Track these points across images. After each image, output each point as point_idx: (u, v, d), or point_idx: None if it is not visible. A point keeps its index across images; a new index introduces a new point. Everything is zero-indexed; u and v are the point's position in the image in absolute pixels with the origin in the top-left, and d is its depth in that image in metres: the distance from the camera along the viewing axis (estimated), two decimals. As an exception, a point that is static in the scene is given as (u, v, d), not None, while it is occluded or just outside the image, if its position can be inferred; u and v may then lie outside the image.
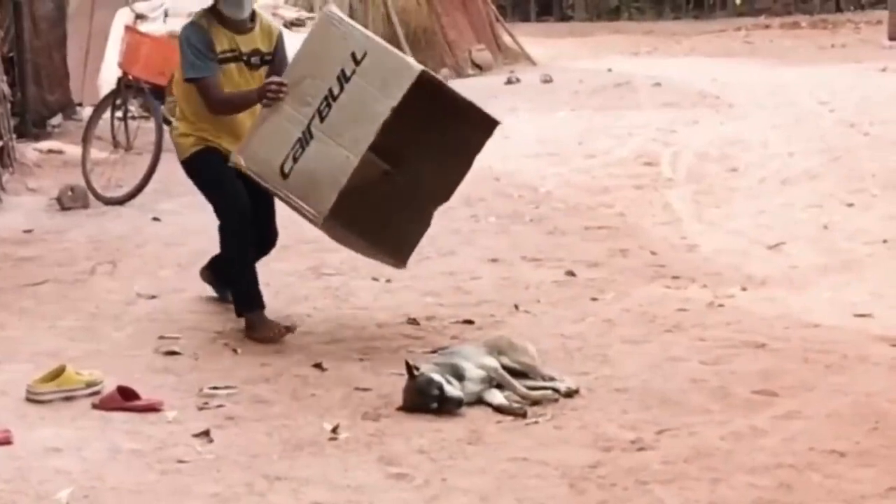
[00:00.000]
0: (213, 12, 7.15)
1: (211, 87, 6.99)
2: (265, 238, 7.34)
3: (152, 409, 5.82)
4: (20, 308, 7.63)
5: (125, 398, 5.85)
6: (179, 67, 7.13)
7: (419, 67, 6.52)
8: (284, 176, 6.62)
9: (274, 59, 7.21)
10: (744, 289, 7.84)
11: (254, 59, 7.16)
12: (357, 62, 6.51)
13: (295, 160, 6.61)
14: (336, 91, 6.55)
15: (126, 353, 6.74)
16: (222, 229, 7.13)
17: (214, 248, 7.36)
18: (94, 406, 5.86)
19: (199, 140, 7.14)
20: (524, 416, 5.73)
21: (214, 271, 7.64)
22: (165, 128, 11.06)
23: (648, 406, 5.81)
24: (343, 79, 6.53)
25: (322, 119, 6.56)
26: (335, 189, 6.46)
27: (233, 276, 7.19)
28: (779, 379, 6.12)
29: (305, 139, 6.60)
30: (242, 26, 7.15)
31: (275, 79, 6.81)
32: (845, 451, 5.22)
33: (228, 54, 7.08)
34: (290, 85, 6.67)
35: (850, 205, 9.83)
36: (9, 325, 7.27)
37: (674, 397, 5.92)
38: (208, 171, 7.12)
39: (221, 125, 7.13)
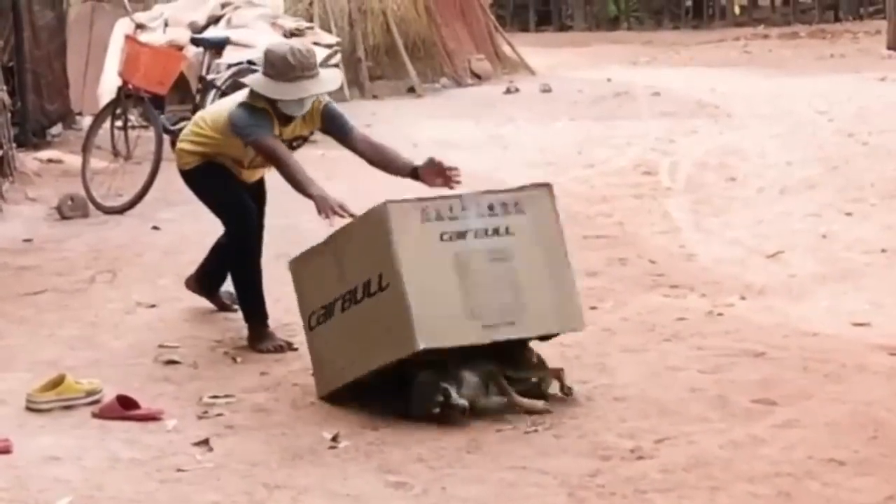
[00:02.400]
0: (264, 99, 6.77)
1: (272, 143, 6.70)
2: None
3: (152, 418, 5.83)
4: (20, 317, 7.63)
5: (125, 407, 5.86)
6: (229, 124, 6.81)
7: (418, 345, 5.71)
8: (311, 328, 6.25)
9: (330, 129, 6.98)
10: (742, 298, 7.85)
11: (295, 143, 7.01)
12: (380, 287, 5.85)
13: (318, 322, 6.20)
14: (358, 296, 5.98)
15: (125, 362, 6.75)
16: (231, 241, 7.14)
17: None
18: (94, 415, 5.87)
19: (203, 156, 7.06)
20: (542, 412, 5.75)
21: (201, 280, 7.63)
22: (165, 137, 11.12)
23: (647, 415, 5.82)
24: (365, 291, 5.95)
25: (343, 309, 6.04)
26: (329, 386, 6.10)
27: (240, 286, 7.19)
28: (778, 388, 6.13)
29: (329, 311, 6.13)
30: (291, 119, 6.87)
31: (346, 206, 6.40)
32: (844, 459, 5.23)
33: (290, 142, 6.93)
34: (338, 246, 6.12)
35: (849, 214, 9.84)
36: (8, 334, 7.28)
37: (673, 406, 5.92)
38: (215, 183, 7.08)
39: (237, 163, 7.07)
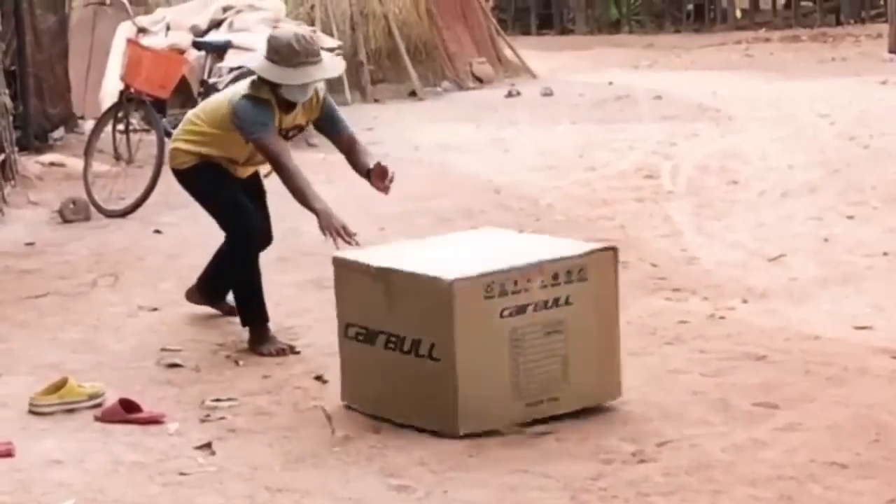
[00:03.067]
0: (267, 85, 6.80)
1: (274, 143, 6.76)
2: (266, 239, 7.38)
3: (154, 421, 5.83)
4: (22, 320, 7.64)
5: (127, 411, 5.87)
6: (231, 116, 6.82)
7: (460, 430, 5.64)
8: (346, 336, 6.07)
9: (322, 124, 7.06)
10: (744, 301, 7.85)
11: (291, 133, 7.06)
12: (430, 356, 5.71)
13: (356, 338, 6.04)
14: (405, 347, 5.82)
15: (128, 366, 6.76)
16: (231, 242, 7.15)
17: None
18: (97, 418, 5.87)
19: (199, 156, 7.05)
20: None
21: (204, 288, 7.62)
22: (167, 141, 11.12)
23: (649, 418, 5.82)
24: (414, 349, 5.77)
25: (386, 347, 5.90)
26: (353, 403, 6.03)
27: (240, 288, 7.19)
28: (779, 391, 6.13)
29: (371, 338, 5.93)
30: (293, 106, 6.90)
31: (349, 230, 6.52)
32: (846, 462, 5.23)
33: (292, 132, 7.04)
34: None
35: (851, 217, 9.84)
36: (10, 338, 7.28)
37: (674, 409, 5.92)
38: (212, 183, 7.08)
39: (232, 161, 7.09)
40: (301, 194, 6.68)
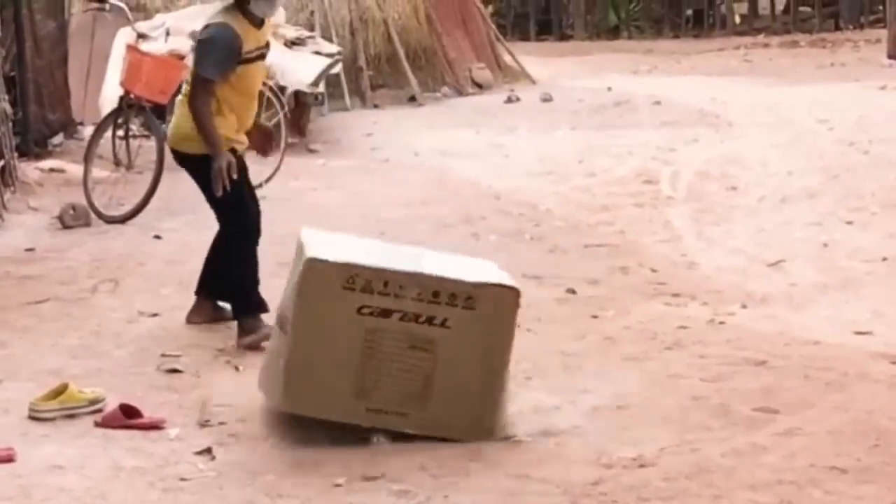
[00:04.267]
0: (238, 9, 7.18)
1: (209, 92, 7.10)
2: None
3: (154, 427, 5.84)
4: (22, 326, 7.64)
5: (127, 416, 5.87)
6: (196, 60, 7.21)
7: (282, 405, 5.75)
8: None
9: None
10: (744, 306, 7.85)
11: (255, 55, 7.32)
12: (283, 329, 5.84)
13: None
14: (278, 324, 6.00)
15: (128, 371, 6.76)
16: (232, 234, 7.24)
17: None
18: (97, 424, 5.88)
19: (224, 140, 7.18)
20: None
21: (209, 290, 7.61)
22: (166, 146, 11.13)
23: (649, 423, 5.82)
24: (281, 325, 5.93)
25: (279, 327, 6.00)
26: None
27: (240, 279, 7.25)
28: (779, 396, 6.13)
29: (278, 323, 6.05)
30: (262, 23, 7.28)
31: (233, 168, 7.01)
32: (846, 467, 5.23)
33: (254, 53, 7.27)
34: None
35: (850, 223, 9.84)
36: (11, 344, 7.28)
37: (675, 414, 5.93)
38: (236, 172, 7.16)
39: (243, 124, 7.35)
40: (209, 132, 7.06)
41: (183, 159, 7.40)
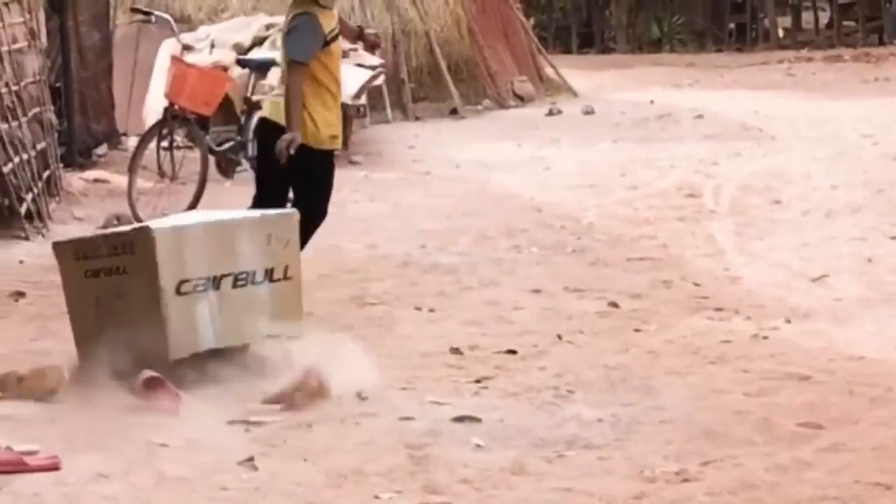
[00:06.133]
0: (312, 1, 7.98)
1: (303, 74, 7.89)
2: None
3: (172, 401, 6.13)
4: (66, 337, 7.66)
5: (151, 388, 6.15)
6: (288, 49, 7.97)
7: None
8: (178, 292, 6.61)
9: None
10: (788, 321, 7.82)
11: (330, 37, 8.05)
12: None
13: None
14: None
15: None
16: (308, 220, 7.72)
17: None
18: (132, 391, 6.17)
19: (332, 138, 8.08)
20: None
21: None
22: (210, 157, 11.19)
23: (693, 437, 5.80)
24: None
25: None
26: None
27: None
28: (823, 411, 6.10)
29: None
30: (330, 9, 8.08)
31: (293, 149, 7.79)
32: (891, 483, 5.20)
33: (333, 33, 8.03)
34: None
35: (894, 238, 9.80)
36: (55, 352, 7.29)
37: (718, 429, 5.90)
38: (324, 171, 8.08)
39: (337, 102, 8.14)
40: (291, 114, 7.84)
41: (310, 151, 7.98)
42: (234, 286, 6.71)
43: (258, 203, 8.02)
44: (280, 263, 6.87)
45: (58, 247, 6.91)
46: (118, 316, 6.52)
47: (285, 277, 6.89)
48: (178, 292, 6.54)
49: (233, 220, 6.95)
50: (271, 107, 8.20)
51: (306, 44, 7.94)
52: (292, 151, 7.78)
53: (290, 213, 7.23)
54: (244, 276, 6.74)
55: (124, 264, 6.55)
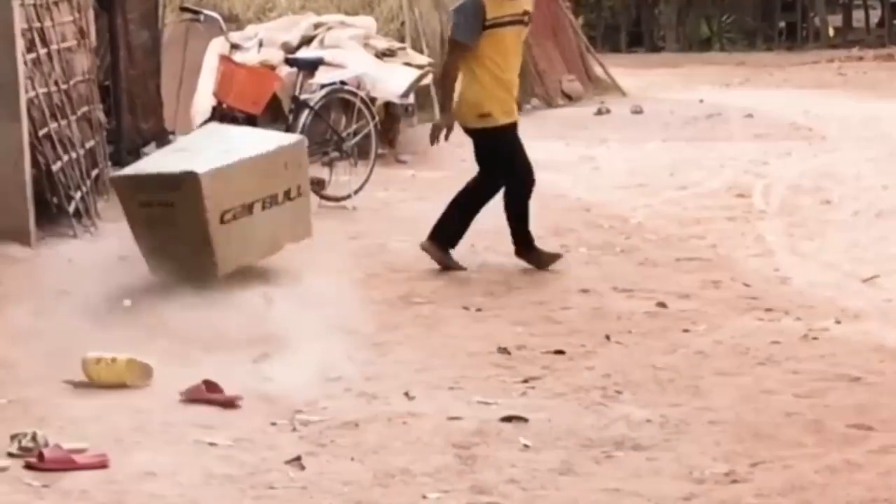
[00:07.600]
0: None
1: (460, 54, 8.73)
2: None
3: (230, 403, 6.20)
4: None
5: (209, 391, 6.25)
6: (451, 29, 8.90)
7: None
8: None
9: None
10: (838, 322, 7.76)
11: (526, 19, 8.87)
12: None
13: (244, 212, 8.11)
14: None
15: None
16: (485, 183, 8.89)
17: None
18: (181, 396, 6.25)
19: (506, 112, 8.80)
20: None
21: (522, 247, 9.08)
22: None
23: (742, 439, 5.77)
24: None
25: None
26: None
27: (452, 212, 8.97)
28: (874, 413, 6.05)
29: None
30: None
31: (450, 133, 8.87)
32: (942, 486, 5.15)
33: (506, 19, 8.69)
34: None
35: (946, 238, 9.72)
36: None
37: (767, 430, 5.87)
38: (515, 143, 8.85)
39: (512, 80, 8.91)
40: (446, 92, 8.88)
41: (465, 132, 8.95)
42: (263, 208, 8.10)
43: (480, 184, 8.95)
44: (294, 184, 8.33)
45: (114, 179, 8.62)
46: (170, 240, 7.89)
47: (298, 194, 8.35)
48: (222, 221, 7.88)
49: (259, 154, 8.23)
50: (468, 118, 8.87)
51: (464, 24, 8.66)
52: (445, 139, 8.80)
53: (300, 139, 8.95)
54: (270, 198, 8.15)
55: (172, 200, 7.90)
